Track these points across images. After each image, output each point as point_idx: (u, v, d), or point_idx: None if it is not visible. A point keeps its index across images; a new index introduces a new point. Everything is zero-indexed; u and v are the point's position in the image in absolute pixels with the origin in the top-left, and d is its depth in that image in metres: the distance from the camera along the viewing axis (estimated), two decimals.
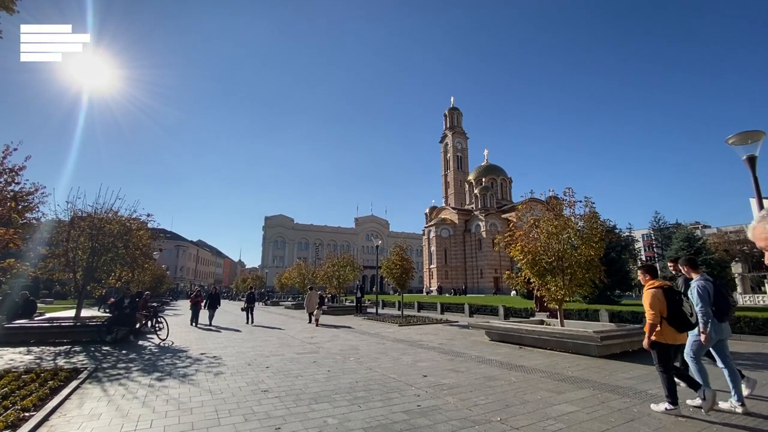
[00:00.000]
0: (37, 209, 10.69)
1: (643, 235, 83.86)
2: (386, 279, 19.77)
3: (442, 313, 21.83)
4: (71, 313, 14.73)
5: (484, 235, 61.84)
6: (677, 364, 5.22)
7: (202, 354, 9.18)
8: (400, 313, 19.51)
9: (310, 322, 17.07)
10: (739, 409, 4.58)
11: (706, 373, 4.90)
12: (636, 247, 75.66)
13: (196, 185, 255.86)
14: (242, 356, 8.80)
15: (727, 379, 4.75)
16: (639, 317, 12.49)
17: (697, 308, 4.87)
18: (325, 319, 18.06)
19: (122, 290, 15.07)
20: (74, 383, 5.92)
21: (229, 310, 27.82)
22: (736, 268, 27.83)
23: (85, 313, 16.00)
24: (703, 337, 4.81)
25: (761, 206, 8.50)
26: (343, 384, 6.09)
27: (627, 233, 56.04)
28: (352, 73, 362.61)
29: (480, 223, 63.87)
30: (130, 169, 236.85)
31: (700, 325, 4.81)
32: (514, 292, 39.72)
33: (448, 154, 78.67)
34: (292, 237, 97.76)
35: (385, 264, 19.14)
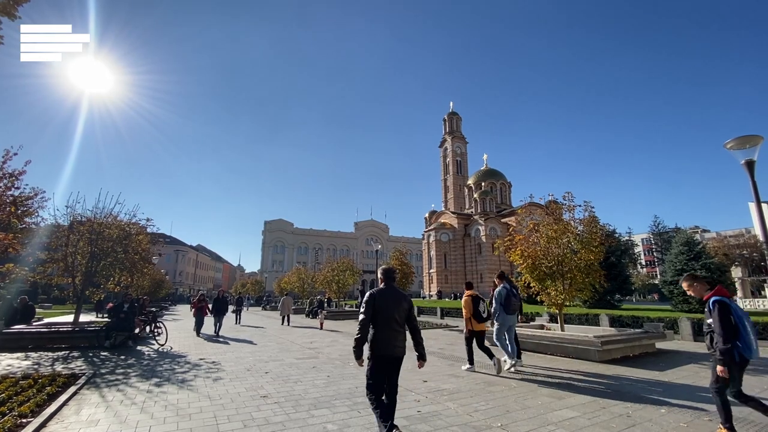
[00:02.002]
0: (36, 214, 10.69)
1: (642, 239, 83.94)
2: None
3: (442, 317, 21.76)
4: (70, 318, 14.67)
5: (484, 240, 61.81)
6: (488, 344, 7.80)
7: (200, 359, 9.13)
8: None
9: (282, 323, 19.20)
10: (509, 364, 7.45)
11: (508, 349, 7.59)
12: (636, 251, 75.83)
13: (196, 190, 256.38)
14: (241, 361, 8.75)
15: (505, 348, 7.61)
16: (640, 322, 12.46)
17: (493, 305, 7.76)
18: (325, 324, 17.99)
19: (121, 295, 15.01)
20: (72, 389, 5.88)
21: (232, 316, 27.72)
22: (736, 272, 27.81)
23: (84, 318, 15.92)
24: (497, 325, 7.70)
25: (760, 210, 8.53)
26: (343, 389, 6.06)
27: (627, 237, 56.19)
28: (352, 78, 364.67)
29: (480, 227, 63.85)
30: (129, 174, 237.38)
31: (494, 315, 7.72)
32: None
33: (448, 159, 78.82)
34: (291, 241, 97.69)
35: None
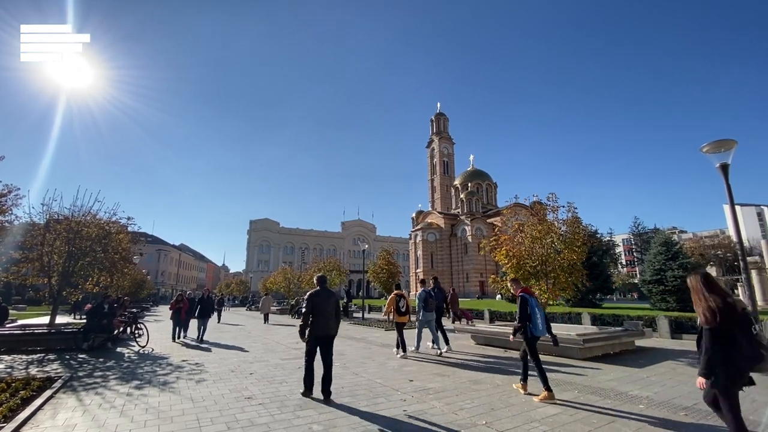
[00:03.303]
0: (10, 212, 10.31)
1: (623, 239, 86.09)
2: (373, 283, 19.71)
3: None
4: (45, 319, 14.20)
5: (470, 240, 62.39)
6: (401, 340, 9.28)
7: (183, 361, 8.96)
8: (386, 317, 19.43)
9: (265, 322, 20.30)
10: (434, 352, 9.44)
11: (420, 338, 9.79)
12: (617, 251, 77.72)
13: (180, 188, 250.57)
14: (225, 363, 8.62)
15: (419, 338, 9.78)
16: (620, 320, 12.77)
17: (417, 303, 9.71)
18: None
19: (100, 296, 14.52)
20: (48, 393, 5.69)
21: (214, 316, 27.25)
22: (711, 272, 28.74)
23: (60, 319, 15.43)
24: (420, 316, 9.58)
25: (734, 212, 8.86)
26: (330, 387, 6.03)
27: (608, 238, 57.51)
28: (340, 77, 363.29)
29: (466, 227, 64.42)
30: (110, 172, 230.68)
31: (417, 312, 9.63)
32: (499, 296, 40.13)
33: (435, 159, 79.26)
34: (277, 241, 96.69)
35: (371, 268, 19.13)
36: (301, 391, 5.67)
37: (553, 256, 10.27)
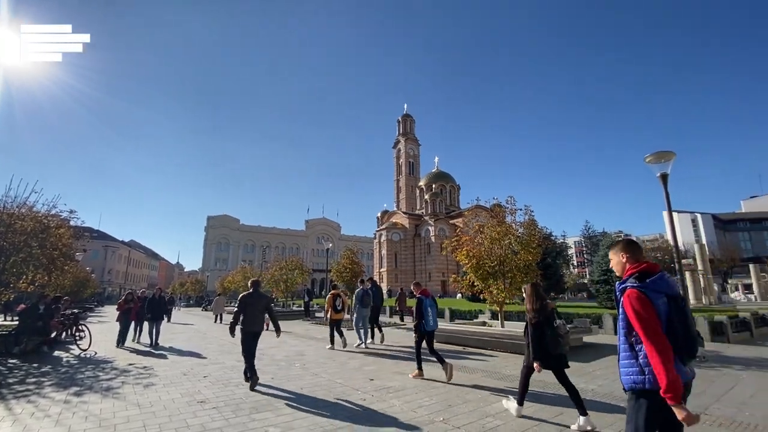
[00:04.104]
0: None
1: (575, 242, 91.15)
2: (336, 282, 19.56)
3: (390, 316, 22.02)
4: None
5: (433, 240, 63.56)
6: (334, 334, 10.49)
7: (130, 365, 8.43)
8: (348, 316, 19.36)
9: (215, 322, 20.29)
10: (362, 346, 10.22)
11: (360, 334, 10.42)
12: (569, 253, 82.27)
13: (131, 181, 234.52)
14: (177, 365, 8.21)
15: (359, 333, 10.45)
16: (570, 318, 13.50)
17: (353, 301, 10.92)
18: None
19: (36, 295, 13.28)
20: None
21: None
22: None
23: None
24: (355, 315, 10.63)
25: (671, 219, 9.65)
26: (287, 391, 5.91)
27: (561, 240, 60.81)
28: (306, 74, 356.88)
29: (430, 227, 65.56)
30: (50, 160, 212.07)
31: (353, 309, 10.76)
32: (459, 295, 41.19)
33: (401, 160, 79.99)
34: (237, 239, 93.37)
35: (335, 267, 18.94)
36: (245, 380, 6.40)
37: (511, 257, 10.69)
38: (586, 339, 10.79)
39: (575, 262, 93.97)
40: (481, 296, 11.46)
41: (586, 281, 60.03)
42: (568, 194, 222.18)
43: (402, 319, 18.00)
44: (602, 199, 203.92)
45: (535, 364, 4.39)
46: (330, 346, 10.35)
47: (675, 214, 9.09)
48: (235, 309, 6.52)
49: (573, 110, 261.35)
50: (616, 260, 2.58)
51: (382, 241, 70.36)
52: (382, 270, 68.66)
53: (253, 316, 6.46)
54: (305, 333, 14.47)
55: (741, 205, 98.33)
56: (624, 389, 2.39)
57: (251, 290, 6.69)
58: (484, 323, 12.04)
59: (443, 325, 12.45)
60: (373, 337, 11.29)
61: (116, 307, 12.19)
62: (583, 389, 5.85)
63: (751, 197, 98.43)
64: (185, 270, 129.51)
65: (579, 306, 24.32)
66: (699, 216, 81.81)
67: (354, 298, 10.88)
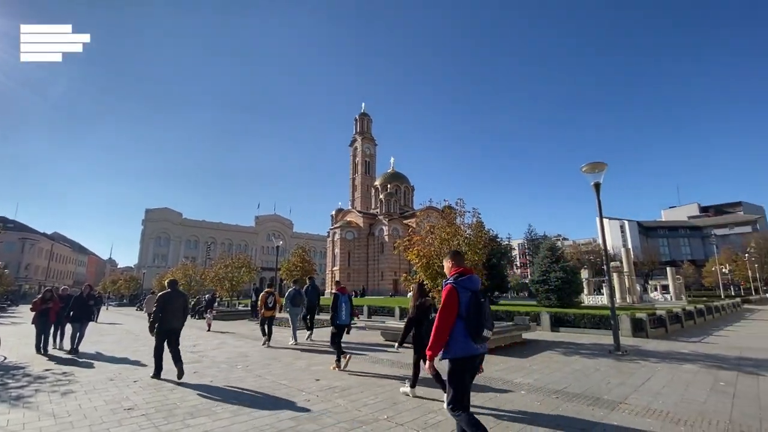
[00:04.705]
0: None
1: (518, 244, 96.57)
2: (286, 281, 19.03)
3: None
4: None
5: (387, 239, 64.10)
6: (265, 330, 10.90)
7: (46, 371, 7.57)
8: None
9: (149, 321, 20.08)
10: (292, 342, 10.89)
11: (294, 330, 11.08)
12: (513, 254, 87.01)
13: (54, 166, 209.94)
14: (103, 370, 7.51)
15: (294, 332, 11.07)
16: (512, 316, 14.25)
17: (285, 301, 11.48)
18: (215, 325, 16.50)
19: None
20: None
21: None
22: (584, 274, 33.84)
23: None
24: (285, 313, 11.51)
25: (602, 224, 10.50)
26: (228, 394, 5.62)
27: (506, 242, 64.14)
28: (263, 68, 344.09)
29: (383, 227, 66.04)
30: None
31: (285, 307, 11.43)
32: (410, 294, 41.93)
33: (357, 159, 79.77)
34: (178, 234, 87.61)
35: (285, 265, 18.42)
36: (151, 374, 6.69)
37: None
38: (525, 335, 11.45)
39: (519, 263, 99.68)
40: (430, 295, 11.71)
41: (527, 281, 63.86)
42: (515, 199, 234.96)
43: None
44: (545, 204, 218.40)
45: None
46: (264, 343, 10.68)
47: (606, 221, 9.94)
48: (154, 308, 6.76)
49: (521, 119, 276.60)
50: (447, 265, 3.49)
51: (335, 239, 69.70)
52: (334, 269, 68.02)
53: (171, 314, 6.72)
54: (250, 333, 13.90)
55: (662, 214, 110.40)
56: (443, 359, 3.14)
57: (169, 290, 6.96)
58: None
59: (391, 323, 12.59)
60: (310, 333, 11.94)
61: (31, 307, 10.50)
62: (521, 383, 6.19)
63: (670, 207, 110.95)
64: (119, 266, 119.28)
65: (520, 304, 25.76)
66: (626, 223, 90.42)
67: (285, 297, 11.39)
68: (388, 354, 9.17)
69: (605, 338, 11.26)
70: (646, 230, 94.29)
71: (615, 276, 30.53)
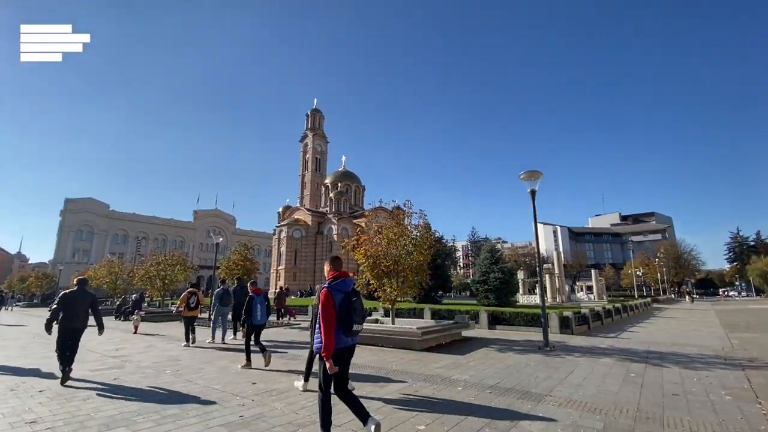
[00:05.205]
0: None
1: (462, 245, 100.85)
2: (226, 280, 18.07)
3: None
4: None
5: (336, 239, 63.45)
6: (188, 331, 10.65)
7: None
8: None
9: None
10: (213, 342, 10.90)
11: (215, 329, 11.29)
12: (457, 255, 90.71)
13: None
14: (2, 379, 6.55)
15: (218, 330, 11.27)
16: (453, 314, 14.78)
17: (212, 300, 11.88)
18: (143, 327, 15.13)
19: None
20: None
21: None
22: (521, 275, 36.16)
23: None
24: (208, 314, 12.49)
25: (536, 229, 11.22)
26: (151, 402, 5.17)
27: (451, 243, 66.63)
28: (207, 54, 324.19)
29: (333, 226, 65.31)
30: None
31: (212, 307, 11.65)
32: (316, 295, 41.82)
33: (308, 155, 78.12)
34: (104, 227, 79.58)
35: (224, 264, 17.46)
36: (60, 381, 6.30)
37: (405, 257, 11.22)
38: (465, 333, 11.93)
39: (462, 264, 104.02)
40: (375, 294, 11.78)
41: (469, 281, 66.83)
42: (462, 202, 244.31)
43: (278, 318, 17.66)
44: (489, 208, 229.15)
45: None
46: (186, 343, 10.46)
47: (540, 226, 10.68)
48: (54, 306, 6.60)
49: (464, 125, 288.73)
50: (326, 269, 3.96)
51: (282, 237, 67.62)
52: (280, 268, 65.97)
53: (73, 313, 6.55)
54: (183, 335, 12.96)
55: (589, 221, 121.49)
56: (314, 352, 3.68)
57: (75, 288, 6.83)
58: (377, 321, 12.38)
59: None
60: (235, 334, 12.09)
61: None
62: (458, 380, 6.41)
63: (596, 215, 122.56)
64: (29, 262, 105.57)
65: (461, 303, 26.86)
66: (558, 228, 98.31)
67: (213, 297, 11.37)
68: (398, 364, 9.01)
69: (537, 335, 12.07)
70: (576, 235, 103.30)
71: (547, 277, 32.94)
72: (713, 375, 6.73)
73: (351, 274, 12.98)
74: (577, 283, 52.49)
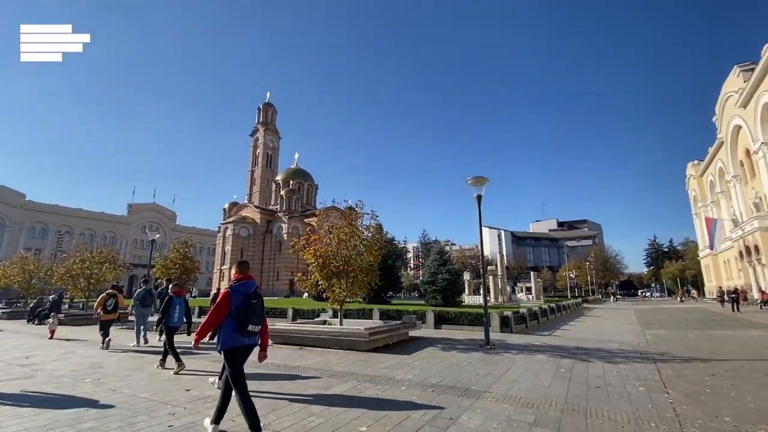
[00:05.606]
0: None
1: (413, 247, 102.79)
2: (161, 280, 16.77)
3: (199, 316, 20.18)
4: None
5: (285, 238, 61.66)
6: (103, 335, 10.27)
7: None
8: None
9: None
10: (133, 344, 10.36)
11: (139, 332, 10.61)
12: (408, 256, 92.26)
13: None
14: None
15: (138, 333, 10.56)
16: (401, 315, 14.97)
17: (133, 302, 10.93)
18: (62, 331, 13.53)
19: None
20: None
21: None
22: (466, 276, 37.60)
23: None
24: (136, 312, 10.74)
25: (481, 232, 11.70)
26: (63, 415, 4.63)
27: (402, 245, 67.75)
28: (144, 31, 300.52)
29: (283, 225, 63.45)
30: None
31: (133, 308, 10.96)
32: (306, 294, 41.03)
33: (258, 150, 75.21)
34: (19, 219, 70.49)
35: (160, 262, 16.22)
36: None
37: (355, 258, 11.17)
38: (412, 333, 12.13)
39: (413, 265, 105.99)
40: (324, 295, 11.59)
41: (419, 282, 68.36)
42: (414, 204, 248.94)
43: None
44: (439, 210, 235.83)
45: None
46: (101, 346, 10.06)
47: (486, 229, 11.19)
48: None
49: (422, 129, 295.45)
50: (233, 272, 4.23)
51: (227, 235, 64.41)
52: (224, 267, 62.74)
53: None
54: (112, 340, 11.83)
55: (530, 227, 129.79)
56: (219, 351, 3.86)
57: None
58: (325, 322, 12.19)
59: (281, 325, 12.07)
60: (160, 335, 11.51)
61: None
62: (402, 380, 6.48)
63: (537, 221, 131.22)
64: None
65: (410, 304, 27.32)
66: (502, 232, 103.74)
67: (134, 298, 10.84)
68: (298, 360, 8.73)
69: (479, 334, 12.58)
70: (518, 239, 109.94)
71: (490, 278, 34.54)
72: (630, 368, 7.44)
73: (298, 275, 12.67)
74: (518, 285, 55.65)
